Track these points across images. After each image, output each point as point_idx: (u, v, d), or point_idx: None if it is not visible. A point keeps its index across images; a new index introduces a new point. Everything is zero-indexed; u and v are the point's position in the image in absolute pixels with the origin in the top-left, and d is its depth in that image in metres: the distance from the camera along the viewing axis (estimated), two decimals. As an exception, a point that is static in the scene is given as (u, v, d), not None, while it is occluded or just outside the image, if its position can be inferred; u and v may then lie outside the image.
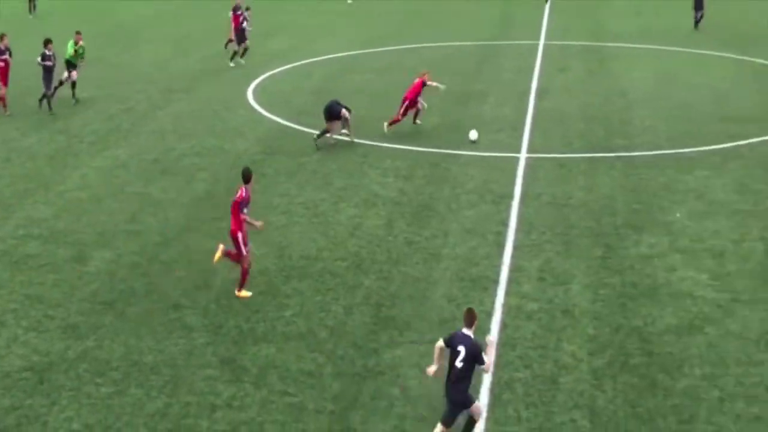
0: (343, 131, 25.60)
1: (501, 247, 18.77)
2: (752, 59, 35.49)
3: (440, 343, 12.18)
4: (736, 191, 21.50)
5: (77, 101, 29.70)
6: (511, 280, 17.25)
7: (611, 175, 22.84)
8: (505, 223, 19.97)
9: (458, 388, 11.84)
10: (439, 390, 13.45)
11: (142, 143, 25.83)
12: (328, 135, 25.47)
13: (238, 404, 13.26)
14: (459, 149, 25.17)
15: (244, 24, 35.15)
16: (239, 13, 35.43)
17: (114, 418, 12.88)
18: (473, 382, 12.09)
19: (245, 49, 35.60)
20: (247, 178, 16.88)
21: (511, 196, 21.53)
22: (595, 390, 13.62)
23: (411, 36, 41.67)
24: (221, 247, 16.65)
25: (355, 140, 25.48)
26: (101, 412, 13.00)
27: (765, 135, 25.66)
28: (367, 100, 30.31)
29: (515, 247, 18.73)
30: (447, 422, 11.99)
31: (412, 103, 26.53)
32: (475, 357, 11.72)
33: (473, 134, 25.76)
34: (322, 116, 25.34)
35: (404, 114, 26.60)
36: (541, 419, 12.93)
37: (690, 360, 14.37)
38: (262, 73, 34.23)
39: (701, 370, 14.06)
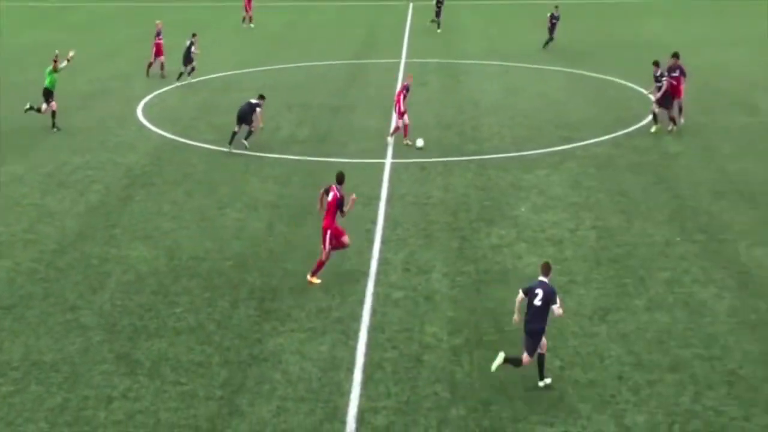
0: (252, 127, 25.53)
1: (370, 242, 18.87)
2: (581, 72, 36.54)
3: (520, 295, 13.18)
4: (571, 187, 22.12)
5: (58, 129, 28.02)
6: (379, 272, 17.37)
7: (465, 176, 23.21)
8: (373, 222, 20.08)
9: (537, 321, 12.86)
10: (316, 374, 13.52)
11: (38, 159, 24.96)
12: (248, 136, 25.47)
13: (133, 395, 12.99)
14: (331, 157, 25.16)
15: (193, 48, 34.73)
16: (161, 37, 35.77)
17: (15, 414, 12.47)
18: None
19: (192, 69, 35.12)
20: (340, 179, 17.20)
21: (378, 198, 21.66)
22: (455, 365, 13.85)
23: (287, 56, 41.44)
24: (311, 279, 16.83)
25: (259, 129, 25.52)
26: (2, 410, 12.58)
27: (594, 138, 26.41)
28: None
29: (383, 242, 18.87)
30: (530, 351, 13.00)
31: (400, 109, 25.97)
32: (549, 297, 12.85)
33: (419, 142, 25.64)
34: (207, 130, 24.97)
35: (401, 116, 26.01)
36: (408, 393, 13.07)
37: (535, 335, 14.73)
38: (151, 92, 33.51)
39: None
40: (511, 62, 39.31)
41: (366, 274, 17.28)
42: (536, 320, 12.94)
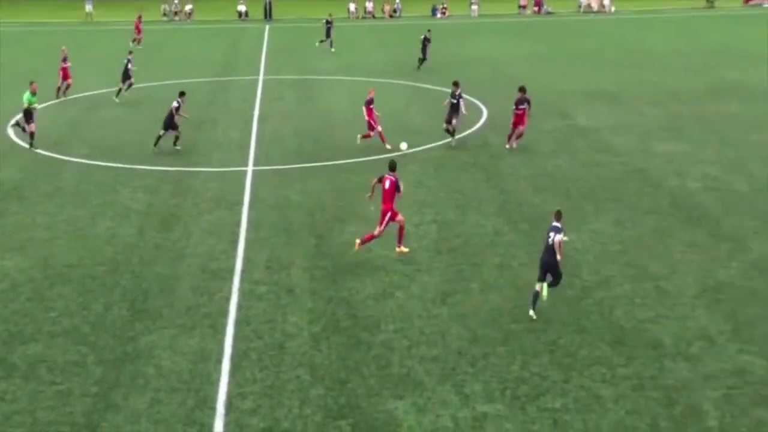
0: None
1: (235, 243, 18.56)
2: (421, 85, 37.18)
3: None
4: (415, 186, 22.38)
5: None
6: (244, 270, 17.11)
7: (320, 181, 23.17)
8: (238, 224, 19.76)
9: (551, 255, 14.65)
10: (187, 366, 13.20)
11: None
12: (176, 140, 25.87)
13: (9, 397, 12.33)
14: (197, 167, 24.64)
15: (129, 65, 34.02)
16: (67, 62, 34.54)
17: None
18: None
19: (130, 85, 34.21)
20: (392, 167, 18.00)
21: (242, 203, 21.34)
22: (314, 350, 13.79)
23: (156, 75, 40.31)
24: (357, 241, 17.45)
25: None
26: None
27: (433, 143, 26.86)
28: (117, 131, 29.09)
29: (247, 243, 18.59)
30: (554, 275, 14.78)
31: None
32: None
33: (403, 145, 24.73)
34: (78, 145, 23.98)
35: (372, 128, 26.18)
36: (272, 378, 12.94)
37: (385, 319, 14.86)
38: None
39: (394, 326, 14.58)
40: (359, 77, 39.55)
41: (232, 273, 16.98)
42: (550, 254, 14.59)
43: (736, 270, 16.71)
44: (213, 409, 12.10)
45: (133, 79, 34.52)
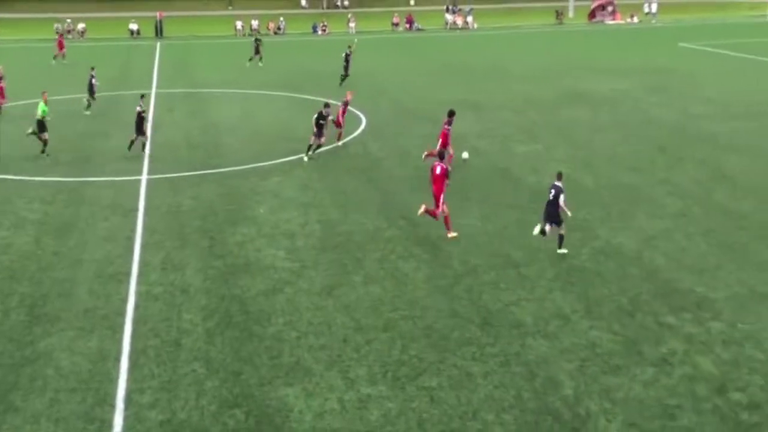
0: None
1: (131, 248, 17.98)
2: (304, 96, 37.02)
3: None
4: (300, 190, 22.34)
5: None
6: (140, 273, 16.59)
7: (211, 186, 22.73)
8: (133, 230, 19.15)
9: (552, 207, 17.05)
10: (86, 366, 12.69)
11: None
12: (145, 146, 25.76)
13: None
14: (93, 176, 23.73)
15: (93, 80, 34.00)
16: (2, 82, 33.66)
17: None
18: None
19: (89, 104, 33.51)
20: (441, 155, 19.48)
21: (137, 209, 20.70)
22: (209, 345, 13.53)
23: (56, 90, 38.42)
24: (423, 206, 18.43)
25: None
26: None
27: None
28: (15, 144, 27.67)
29: (142, 247, 18.05)
30: (558, 223, 17.12)
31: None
32: (558, 194, 17.06)
33: (465, 154, 24.42)
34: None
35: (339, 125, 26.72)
36: (170, 373, 12.61)
37: (275, 313, 14.73)
38: None
39: (284, 319, 14.48)
40: (245, 90, 39.05)
41: (128, 276, 16.45)
42: (552, 207, 17.03)
43: (586, 255, 17.42)
44: (112, 405, 11.69)
45: (95, 94, 34.06)
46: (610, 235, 18.62)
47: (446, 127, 23.82)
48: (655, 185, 22.41)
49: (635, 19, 74.25)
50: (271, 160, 25.56)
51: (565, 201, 17.22)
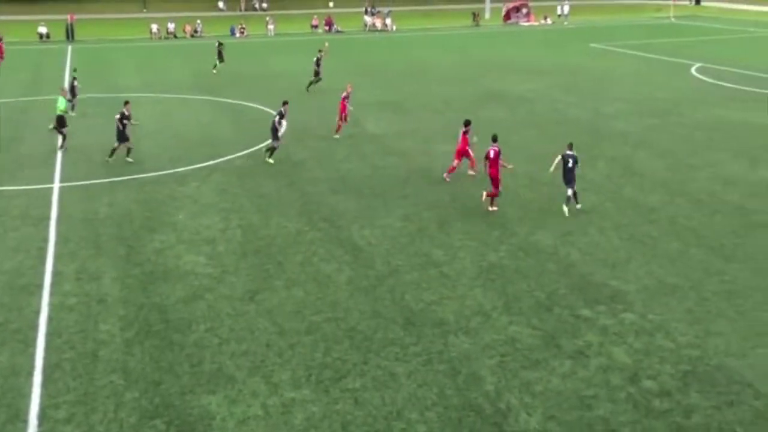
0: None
1: (43, 258, 17.37)
2: (223, 100, 36.52)
3: (558, 158, 20.15)
4: (219, 195, 22.01)
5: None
6: (53, 284, 16.04)
7: (127, 193, 22.17)
8: (45, 239, 18.50)
9: (571, 175, 19.83)
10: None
11: None
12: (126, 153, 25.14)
13: None
14: (2, 185, 22.81)
15: (75, 83, 33.97)
16: None
17: None
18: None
19: (73, 106, 32.55)
20: (495, 139, 21.21)
21: (48, 218, 20.01)
22: (127, 355, 13.18)
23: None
24: (485, 193, 20.45)
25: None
26: None
27: (236, 153, 26.49)
28: None
29: (55, 257, 17.45)
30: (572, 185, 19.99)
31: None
32: (576, 162, 19.97)
33: (474, 138, 23.72)
34: None
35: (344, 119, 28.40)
36: (86, 386, 12.23)
37: (196, 320, 14.47)
38: None
39: (205, 326, 14.23)
40: (164, 94, 38.24)
41: (41, 287, 15.87)
42: (570, 173, 19.83)
43: (505, 252, 17.73)
44: (25, 422, 11.26)
45: (78, 97, 33.65)
46: (529, 232, 19.00)
47: (464, 135, 23.64)
48: (570, 182, 22.94)
49: (548, 21, 76.04)
50: (190, 165, 25.10)
51: (578, 166, 20.12)
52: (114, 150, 25.21)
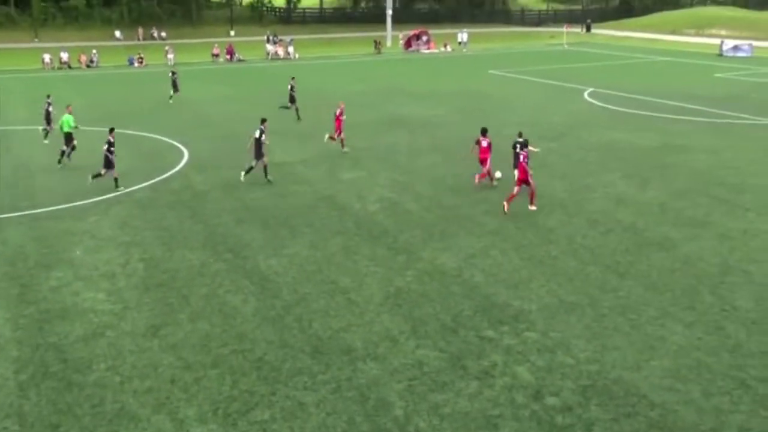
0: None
1: (-71, 301, 16.47)
2: (122, 131, 35.62)
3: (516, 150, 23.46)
4: (120, 228, 21.46)
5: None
6: (-60, 328, 15.23)
7: (20, 230, 21.32)
8: (-69, 281, 17.56)
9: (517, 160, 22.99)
10: None
11: None
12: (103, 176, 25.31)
13: None
14: None
15: (50, 108, 32.96)
16: None
17: None
18: None
19: (47, 133, 32.65)
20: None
21: (-66, 258, 19.03)
22: (22, 399, 12.63)
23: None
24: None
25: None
26: None
27: (137, 185, 25.89)
28: None
29: (-58, 300, 16.58)
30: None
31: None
32: (524, 146, 23.02)
33: (498, 174, 25.89)
34: None
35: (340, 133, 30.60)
36: (-22, 435, 11.64)
37: (97, 358, 14.02)
38: None
39: (106, 364, 13.80)
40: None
41: (-74, 332, 15.03)
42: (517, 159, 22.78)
43: (412, 277, 17.96)
44: None
45: (53, 124, 32.54)
46: (434, 255, 19.32)
47: (483, 143, 25.76)
48: (474, 205, 23.54)
49: (449, 48, 77.97)
50: (88, 198, 24.39)
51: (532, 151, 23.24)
52: (97, 175, 25.38)
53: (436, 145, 32.37)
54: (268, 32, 78.86)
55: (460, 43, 79.32)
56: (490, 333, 14.97)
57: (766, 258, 18.82)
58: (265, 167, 26.13)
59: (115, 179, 25.20)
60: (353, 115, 39.86)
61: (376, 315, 15.90)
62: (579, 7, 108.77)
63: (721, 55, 68.71)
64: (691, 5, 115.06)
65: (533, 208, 22.65)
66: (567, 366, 13.65)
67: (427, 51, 76.89)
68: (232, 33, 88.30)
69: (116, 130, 26.52)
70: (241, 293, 17.01)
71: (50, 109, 33.08)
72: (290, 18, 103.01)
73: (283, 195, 25.02)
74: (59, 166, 26.01)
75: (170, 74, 46.28)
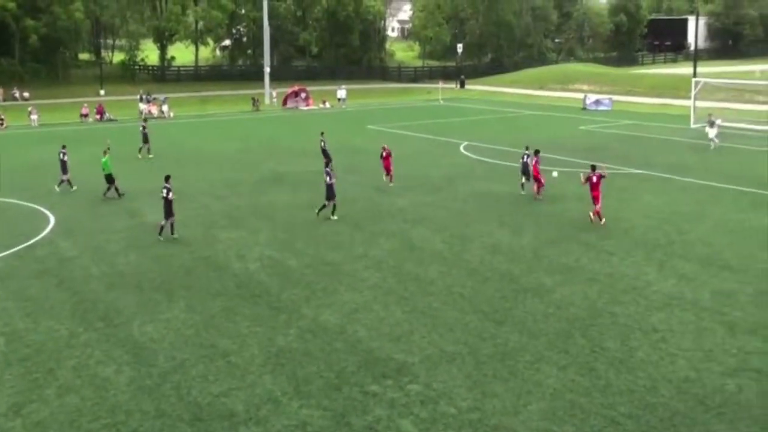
0: None
1: None
2: (-16, 196, 34.06)
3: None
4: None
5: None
6: None
7: None
8: None
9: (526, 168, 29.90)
10: None
11: None
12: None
13: None
14: None
15: (65, 158, 34.44)
16: None
17: None
18: None
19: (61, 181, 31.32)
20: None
21: None
22: None
23: None
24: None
25: None
26: None
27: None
28: None
29: None
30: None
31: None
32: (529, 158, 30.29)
33: (554, 173, 30.10)
34: None
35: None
36: None
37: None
38: None
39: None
40: None
41: None
42: (525, 167, 30.85)
43: (294, 335, 17.89)
44: None
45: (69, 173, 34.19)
46: (316, 312, 19.33)
47: (536, 161, 31.90)
48: (355, 260, 23.77)
49: (327, 105, 79.06)
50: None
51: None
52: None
53: (317, 202, 32.53)
54: (141, 91, 77.57)
55: (339, 99, 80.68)
56: (374, 387, 15.05)
57: (629, 299, 19.97)
58: (171, 225, 26.25)
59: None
60: (231, 173, 39.68)
61: (257, 377, 15.70)
62: (453, 63, 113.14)
63: (584, 108, 72.85)
64: (557, 62, 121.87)
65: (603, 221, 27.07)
66: (449, 416, 13.88)
67: (305, 108, 77.67)
68: (102, 92, 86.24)
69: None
70: (114, 363, 16.40)
71: (65, 158, 34.75)
72: (164, 76, 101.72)
73: (157, 257, 24.43)
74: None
75: (141, 127, 47.08)
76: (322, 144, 41.53)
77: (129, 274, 22.71)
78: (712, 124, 48.12)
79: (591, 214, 27.61)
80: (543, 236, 26.25)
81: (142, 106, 71.73)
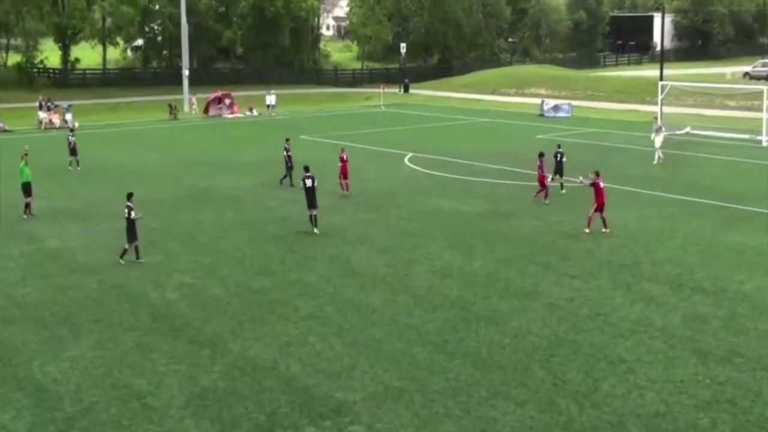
0: None
1: None
2: None
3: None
4: None
5: None
6: None
7: None
8: None
9: (560, 166, 35.95)
10: None
11: None
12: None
13: None
14: None
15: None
16: None
17: None
18: None
19: None
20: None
21: None
22: None
23: None
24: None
25: None
26: None
27: None
28: None
29: None
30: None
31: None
32: (563, 156, 36.69)
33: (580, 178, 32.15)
34: None
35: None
36: None
37: None
38: None
39: None
40: None
41: None
42: (560, 165, 36.47)
43: (219, 373, 17.86)
44: None
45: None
46: (244, 347, 19.33)
47: (540, 164, 34.99)
48: (287, 287, 23.85)
49: (255, 112, 78.91)
50: None
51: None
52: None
53: (243, 222, 32.55)
54: (41, 97, 76.21)
55: (268, 106, 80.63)
56: (310, 430, 15.15)
57: (593, 326, 20.49)
58: (136, 248, 26.49)
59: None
60: (146, 190, 39.32)
61: (177, 421, 15.64)
62: (396, 65, 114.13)
63: (542, 115, 74.34)
64: (511, 64, 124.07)
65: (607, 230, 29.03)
66: (396, 459, 14.04)
67: (230, 116, 77.39)
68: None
69: None
70: (11, 408, 16.16)
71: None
72: (67, 81, 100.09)
73: (62, 287, 24.11)
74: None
75: (68, 137, 47.30)
76: (287, 153, 40.82)
77: (28, 306, 22.36)
78: (658, 131, 45.80)
79: (588, 224, 29.54)
80: (497, 257, 26.73)
81: (42, 115, 70.48)
